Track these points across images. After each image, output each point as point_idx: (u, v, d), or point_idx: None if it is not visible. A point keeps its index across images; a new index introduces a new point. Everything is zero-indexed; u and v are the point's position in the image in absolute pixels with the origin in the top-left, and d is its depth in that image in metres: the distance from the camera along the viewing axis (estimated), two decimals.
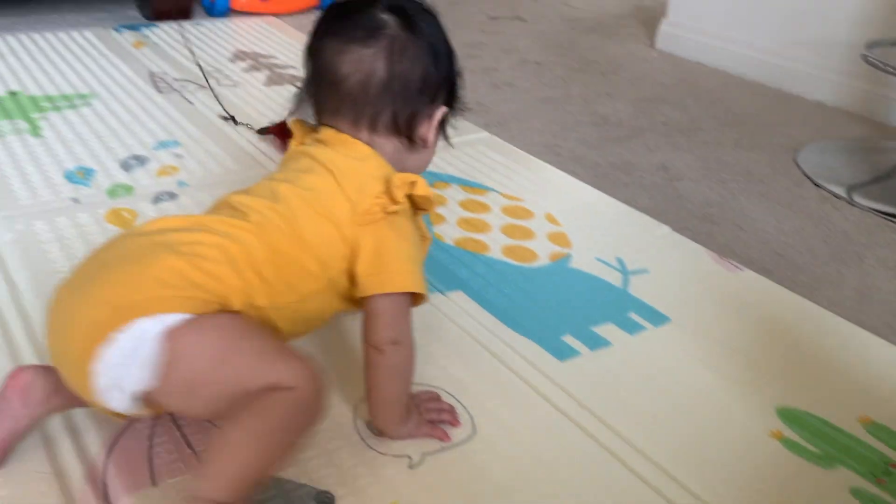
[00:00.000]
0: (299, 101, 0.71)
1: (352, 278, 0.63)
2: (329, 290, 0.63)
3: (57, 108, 1.32)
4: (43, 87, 1.41)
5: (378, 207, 0.63)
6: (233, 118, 1.33)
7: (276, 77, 1.59)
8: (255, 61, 1.67)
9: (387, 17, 0.67)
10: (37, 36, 1.69)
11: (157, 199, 1.06)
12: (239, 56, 1.70)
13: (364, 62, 0.65)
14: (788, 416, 0.75)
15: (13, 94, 1.36)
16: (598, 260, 1.00)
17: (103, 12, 1.96)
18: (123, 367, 0.53)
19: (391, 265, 0.63)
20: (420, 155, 0.71)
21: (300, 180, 0.64)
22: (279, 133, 1.26)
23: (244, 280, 0.58)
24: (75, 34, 1.73)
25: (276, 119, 1.29)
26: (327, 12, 0.71)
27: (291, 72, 1.62)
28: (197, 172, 1.15)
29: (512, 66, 1.85)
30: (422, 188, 0.65)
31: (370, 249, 0.62)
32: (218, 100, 1.42)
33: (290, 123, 0.72)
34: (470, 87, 1.66)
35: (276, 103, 1.43)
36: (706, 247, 1.07)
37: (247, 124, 1.32)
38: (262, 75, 1.59)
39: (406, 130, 0.68)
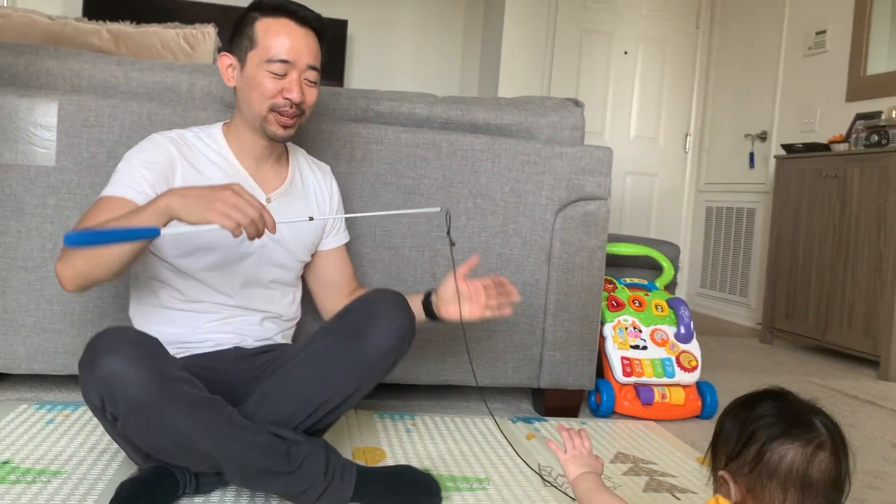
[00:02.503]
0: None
1: None
2: None
3: (458, 489, 1.48)
4: (449, 467, 1.60)
5: None
6: None
7: (655, 484, 1.60)
8: (636, 465, 1.72)
9: (822, 423, 0.83)
10: (447, 419, 1.96)
11: None
12: (619, 458, 1.76)
13: (832, 467, 0.80)
14: None
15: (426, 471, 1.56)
16: None
17: (502, 403, 2.22)
18: None
19: None
20: None
21: None
22: None
23: None
24: (478, 420, 1.97)
25: None
26: (763, 410, 0.86)
27: (671, 480, 1.62)
28: None
29: None
30: None
31: None
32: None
33: None
34: None
35: None
36: None
37: None
38: (640, 480, 1.62)
39: None
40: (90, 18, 2.24)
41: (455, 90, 5.14)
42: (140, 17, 2.62)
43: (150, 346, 1.20)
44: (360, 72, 4.98)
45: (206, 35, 2.17)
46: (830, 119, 3.85)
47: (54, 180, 1.74)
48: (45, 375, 2.03)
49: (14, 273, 1.74)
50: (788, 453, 0.79)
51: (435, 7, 5.11)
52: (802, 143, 3.62)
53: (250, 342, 1.51)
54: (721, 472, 0.85)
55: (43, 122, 1.72)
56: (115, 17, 2.38)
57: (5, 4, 4.34)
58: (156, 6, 4.40)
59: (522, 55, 4.74)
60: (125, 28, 2.14)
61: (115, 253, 1.24)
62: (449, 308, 1.55)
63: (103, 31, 2.11)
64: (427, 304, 1.58)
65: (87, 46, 2.08)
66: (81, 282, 1.28)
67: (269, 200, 1.51)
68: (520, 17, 4.71)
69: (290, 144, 1.62)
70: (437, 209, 1.47)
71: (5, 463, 1.44)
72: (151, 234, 1.15)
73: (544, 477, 1.58)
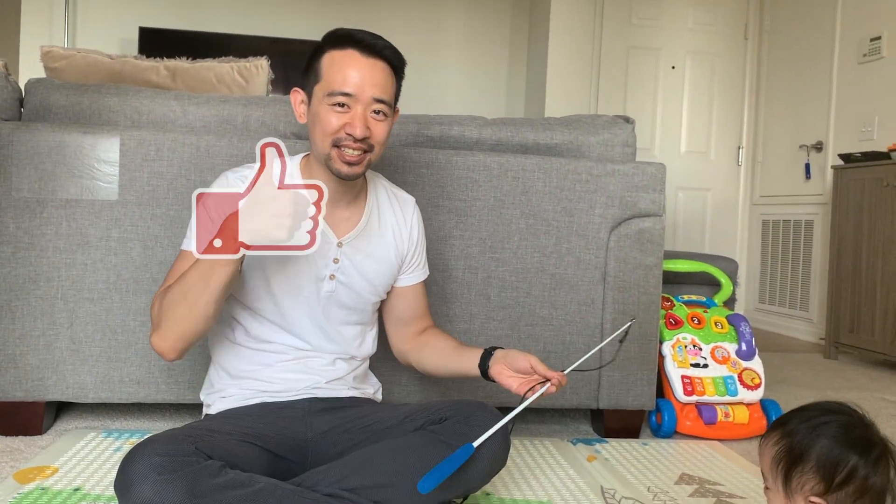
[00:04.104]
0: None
1: None
2: None
3: None
4: (510, 490, 1.58)
5: None
6: None
7: None
8: (701, 486, 1.68)
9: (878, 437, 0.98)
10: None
11: None
12: (684, 479, 1.72)
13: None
14: None
15: (487, 494, 1.55)
16: None
17: (560, 425, 2.19)
18: None
19: None
20: None
21: None
22: None
23: None
24: (536, 442, 1.95)
25: None
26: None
27: (739, 502, 1.58)
28: None
29: None
30: None
31: None
32: None
33: None
34: None
35: None
36: None
37: None
38: (708, 502, 1.58)
39: None
40: (147, 55, 2.31)
41: (501, 111, 5.15)
42: (195, 52, 2.69)
43: (180, 465, 1.13)
44: (406, 96, 5.02)
45: (259, 67, 2.22)
46: (889, 126, 3.75)
47: (117, 213, 1.79)
48: (111, 404, 2.08)
49: (81, 305, 1.79)
50: (877, 480, 0.95)
51: (479, 29, 5.15)
52: (861, 153, 3.52)
53: (321, 382, 1.46)
54: (814, 500, 0.97)
55: (106, 157, 1.78)
56: (171, 53, 2.46)
57: (66, 46, 4.51)
58: (209, 41, 4.53)
59: (568, 74, 4.73)
60: (181, 64, 2.21)
61: (208, 302, 1.27)
62: (502, 372, 1.44)
63: (161, 67, 2.18)
64: (485, 360, 1.47)
65: (145, 83, 2.15)
66: (181, 344, 1.31)
67: (340, 245, 1.45)
68: (565, 35, 4.72)
69: (370, 174, 1.54)
70: (629, 324, 1.51)
71: (76, 490, 1.48)
72: (469, 451, 1.22)
73: (608, 500, 1.55)
